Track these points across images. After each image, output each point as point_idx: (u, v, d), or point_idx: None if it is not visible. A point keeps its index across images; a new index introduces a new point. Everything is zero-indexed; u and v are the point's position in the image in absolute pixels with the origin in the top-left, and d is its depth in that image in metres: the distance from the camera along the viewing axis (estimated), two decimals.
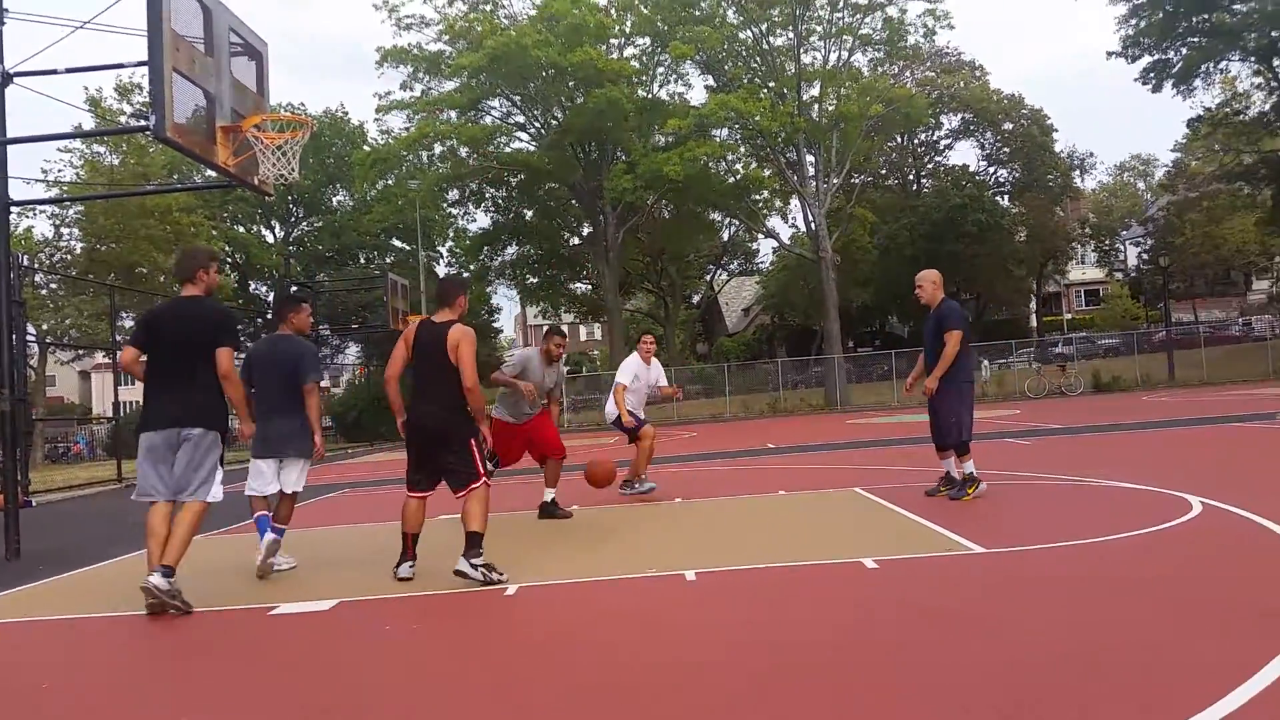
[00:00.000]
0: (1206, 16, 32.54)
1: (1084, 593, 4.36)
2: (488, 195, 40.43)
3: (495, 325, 57.30)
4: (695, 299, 62.46)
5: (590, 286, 46.40)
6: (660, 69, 36.66)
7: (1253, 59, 33.86)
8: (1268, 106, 36.76)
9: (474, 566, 5.29)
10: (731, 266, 57.33)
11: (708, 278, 58.42)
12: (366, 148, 39.73)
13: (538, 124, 36.47)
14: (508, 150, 36.92)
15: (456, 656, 4.04)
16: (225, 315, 5.47)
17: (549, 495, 8.13)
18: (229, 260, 43.35)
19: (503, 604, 4.93)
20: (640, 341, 9.42)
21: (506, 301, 64.78)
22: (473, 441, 5.44)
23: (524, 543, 6.96)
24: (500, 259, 42.42)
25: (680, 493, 9.29)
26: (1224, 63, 34.88)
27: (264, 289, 46.13)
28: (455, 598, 5.11)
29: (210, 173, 9.76)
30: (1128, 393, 28.43)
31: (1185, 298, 53.92)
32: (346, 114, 45.48)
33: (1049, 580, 4.66)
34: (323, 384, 41.08)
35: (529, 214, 41.23)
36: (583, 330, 75.67)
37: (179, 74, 8.06)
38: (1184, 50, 33.96)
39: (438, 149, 36.41)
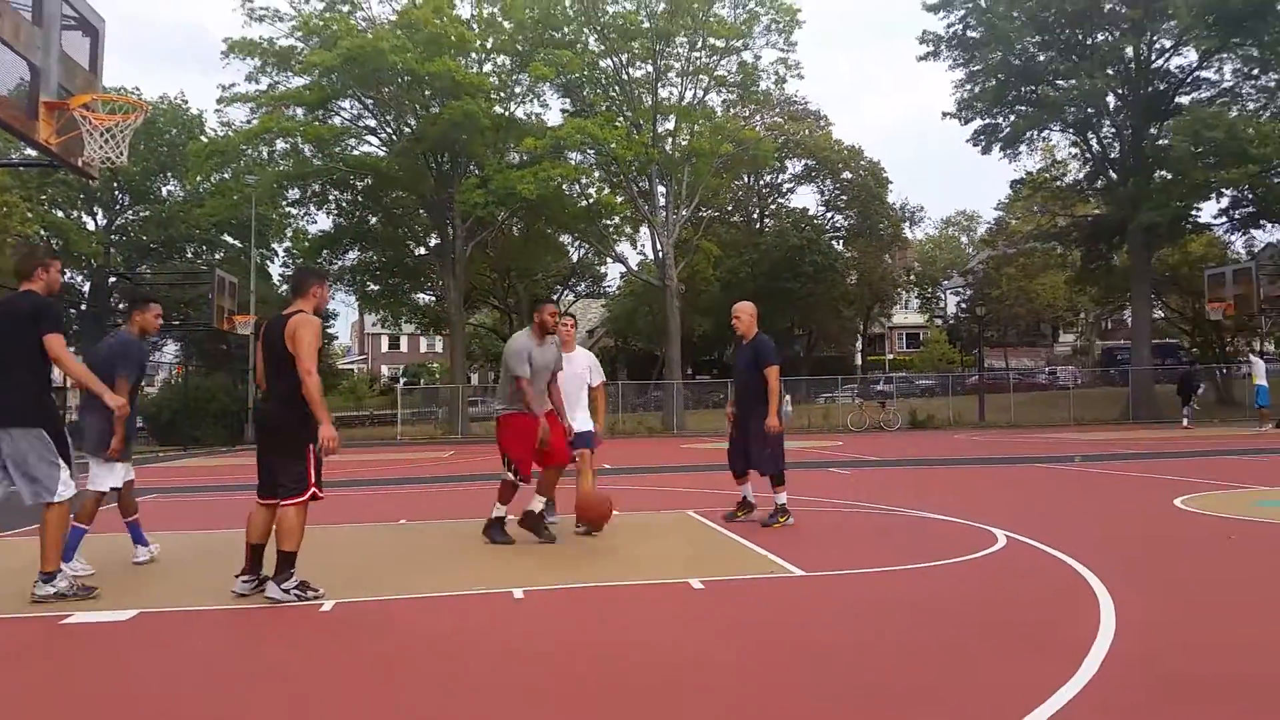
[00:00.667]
0: (1033, 88, 35.17)
1: (896, 617, 4.57)
2: (331, 197, 39.15)
3: (331, 331, 55.37)
4: None
5: (434, 298, 45.54)
6: (519, 88, 36.57)
7: (1071, 131, 36.78)
8: (1081, 175, 40.05)
9: (285, 591, 5.02)
10: (579, 288, 57.54)
11: (555, 297, 58.41)
12: (204, 138, 37.83)
13: (389, 129, 35.65)
14: (356, 153, 35.89)
15: (262, 674, 3.85)
16: (43, 304, 5.13)
17: (537, 505, 7.11)
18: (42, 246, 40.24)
19: (318, 620, 4.74)
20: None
21: (344, 308, 62.79)
22: (310, 447, 5.10)
23: (345, 555, 6.72)
24: (340, 263, 41.10)
25: (512, 510, 9.18)
26: (1046, 132, 37.73)
27: (80, 278, 43.03)
28: (267, 612, 4.88)
29: (30, 150, 9.06)
30: (941, 431, 30.03)
31: (998, 345, 57.81)
32: (185, 102, 43.18)
33: (863, 604, 4.85)
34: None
35: (374, 220, 40.18)
36: (423, 342, 74.24)
37: (0, 42, 7.49)
38: (1012, 117, 36.49)
39: (281, 145, 35.02)
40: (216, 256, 41.35)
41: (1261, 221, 36.27)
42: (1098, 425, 30.26)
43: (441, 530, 7.99)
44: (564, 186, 34.43)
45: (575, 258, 50.24)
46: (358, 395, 53.94)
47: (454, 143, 33.21)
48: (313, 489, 5.10)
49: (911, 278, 58.69)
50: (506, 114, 35.58)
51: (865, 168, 51.21)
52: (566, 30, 34.44)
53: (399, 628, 4.57)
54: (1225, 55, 33.84)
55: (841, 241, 52.94)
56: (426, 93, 32.71)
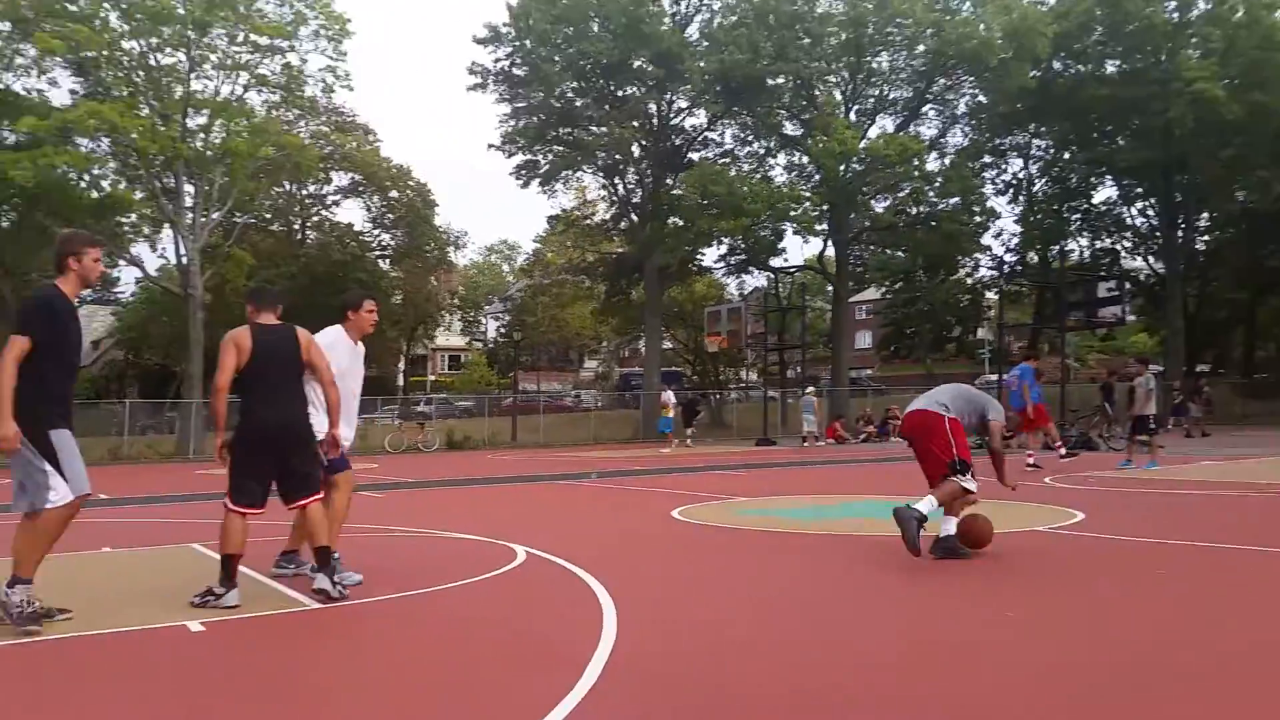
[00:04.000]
0: (570, 131, 37.70)
1: (416, 642, 4.54)
2: None
3: None
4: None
5: None
6: (21, 59, 31.41)
7: (601, 174, 40.02)
8: (608, 216, 43.68)
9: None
10: (85, 293, 50.74)
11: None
12: None
13: None
14: None
15: None
16: (24, 303, 5.16)
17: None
18: None
19: None
20: (358, 307, 6.37)
21: None
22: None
23: None
24: None
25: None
26: (580, 173, 40.67)
27: None
28: None
29: None
30: (477, 451, 30.81)
31: (532, 369, 61.02)
32: None
33: (382, 633, 4.77)
34: None
35: None
36: None
37: None
38: (550, 156, 38.81)
39: None
40: None
41: (751, 267, 42.32)
42: (614, 444, 32.94)
43: None
44: (70, 176, 30.24)
45: None
46: None
47: None
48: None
49: (456, 301, 59.86)
50: (2, 86, 30.51)
51: (414, 188, 51.26)
52: (83, 2, 30.38)
53: None
54: (728, 121, 39.15)
55: (388, 260, 52.47)
56: None
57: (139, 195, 33.59)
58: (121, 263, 40.52)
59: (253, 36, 33.18)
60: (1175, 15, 37.13)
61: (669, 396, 28.83)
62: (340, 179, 50.95)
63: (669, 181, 38.42)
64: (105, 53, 31.03)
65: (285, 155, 35.11)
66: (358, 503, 12.15)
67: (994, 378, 40.47)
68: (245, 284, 40.34)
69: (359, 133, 50.43)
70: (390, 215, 51.94)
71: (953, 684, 3.67)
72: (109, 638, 4.66)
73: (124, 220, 35.08)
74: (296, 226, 51.75)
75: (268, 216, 49.12)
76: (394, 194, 51.25)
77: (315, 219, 52.27)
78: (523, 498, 12.89)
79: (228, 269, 36.91)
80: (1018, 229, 43.84)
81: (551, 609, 5.28)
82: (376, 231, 52.85)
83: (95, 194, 32.67)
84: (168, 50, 32.63)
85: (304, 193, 51.23)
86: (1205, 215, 41.83)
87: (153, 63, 32.49)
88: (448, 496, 13.33)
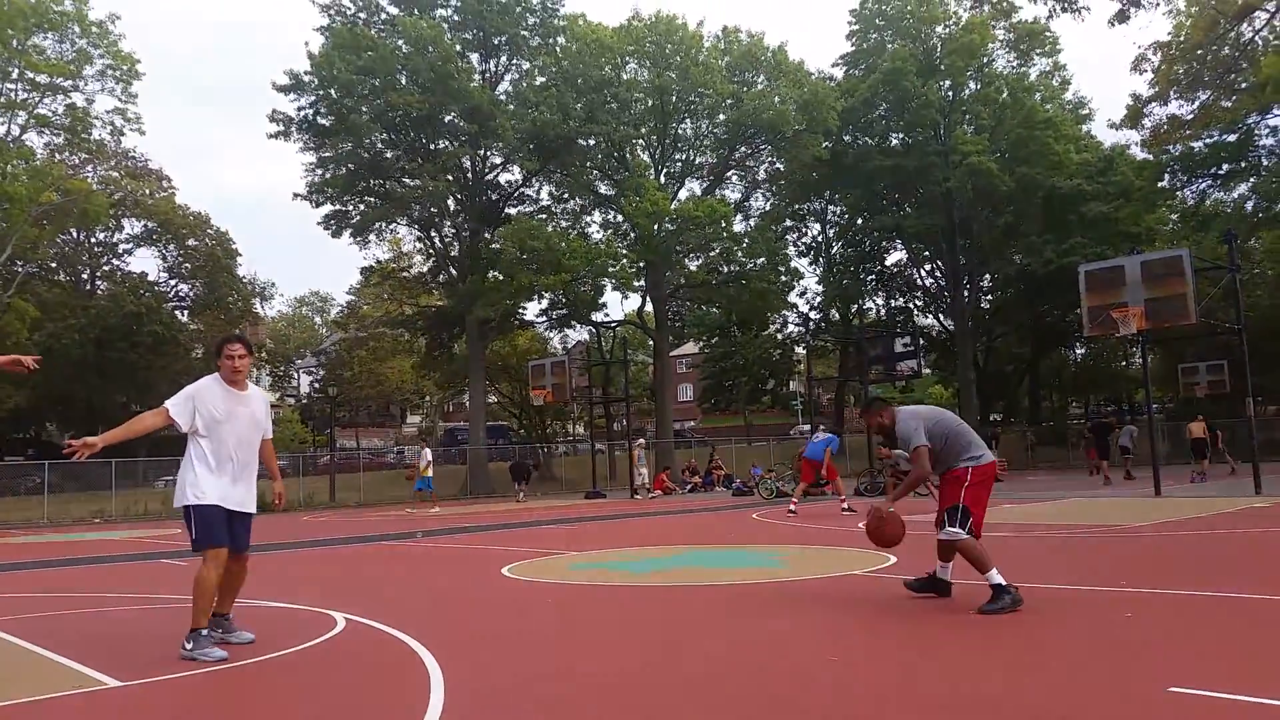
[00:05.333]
0: (382, 182, 36.98)
1: None
2: None
3: None
4: None
5: None
6: None
7: (416, 226, 39.40)
8: (426, 268, 43.05)
9: None
10: None
11: None
12: None
13: None
14: None
15: None
16: None
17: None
18: None
19: None
20: (219, 353, 6.07)
21: None
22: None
23: None
24: None
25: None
26: (394, 225, 39.93)
27: None
28: None
29: None
30: (291, 513, 29.31)
31: (350, 426, 58.87)
32: None
33: (185, 714, 4.42)
34: None
35: None
36: None
37: None
38: (362, 207, 37.89)
39: None
40: None
41: (573, 322, 42.70)
42: (441, 501, 32.10)
43: None
44: None
45: None
46: None
47: None
48: None
49: (264, 355, 57.22)
50: None
51: (213, 236, 48.98)
52: None
53: None
54: (543, 178, 39.58)
55: (187, 312, 49.71)
56: None
57: None
58: None
59: (29, 74, 31.17)
60: (950, 94, 40.67)
61: (427, 454, 27.08)
62: (133, 226, 48.28)
63: (487, 235, 38.32)
64: None
65: (71, 201, 33.01)
66: (157, 571, 11.31)
67: (806, 428, 42.35)
68: (27, 337, 37.25)
69: (152, 178, 47.90)
70: (188, 265, 49.39)
71: None
72: None
73: None
74: (85, 276, 48.49)
75: (53, 265, 45.92)
76: (192, 242, 48.85)
77: (106, 268, 49.07)
78: (343, 561, 12.34)
79: (7, 321, 34.05)
80: (820, 288, 46.52)
81: (373, 679, 5.03)
82: (173, 282, 50.16)
83: None
84: None
85: (93, 240, 48.08)
86: (987, 276, 45.56)
87: None
88: (259, 563, 12.54)
